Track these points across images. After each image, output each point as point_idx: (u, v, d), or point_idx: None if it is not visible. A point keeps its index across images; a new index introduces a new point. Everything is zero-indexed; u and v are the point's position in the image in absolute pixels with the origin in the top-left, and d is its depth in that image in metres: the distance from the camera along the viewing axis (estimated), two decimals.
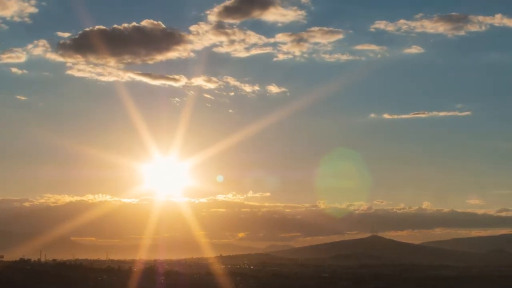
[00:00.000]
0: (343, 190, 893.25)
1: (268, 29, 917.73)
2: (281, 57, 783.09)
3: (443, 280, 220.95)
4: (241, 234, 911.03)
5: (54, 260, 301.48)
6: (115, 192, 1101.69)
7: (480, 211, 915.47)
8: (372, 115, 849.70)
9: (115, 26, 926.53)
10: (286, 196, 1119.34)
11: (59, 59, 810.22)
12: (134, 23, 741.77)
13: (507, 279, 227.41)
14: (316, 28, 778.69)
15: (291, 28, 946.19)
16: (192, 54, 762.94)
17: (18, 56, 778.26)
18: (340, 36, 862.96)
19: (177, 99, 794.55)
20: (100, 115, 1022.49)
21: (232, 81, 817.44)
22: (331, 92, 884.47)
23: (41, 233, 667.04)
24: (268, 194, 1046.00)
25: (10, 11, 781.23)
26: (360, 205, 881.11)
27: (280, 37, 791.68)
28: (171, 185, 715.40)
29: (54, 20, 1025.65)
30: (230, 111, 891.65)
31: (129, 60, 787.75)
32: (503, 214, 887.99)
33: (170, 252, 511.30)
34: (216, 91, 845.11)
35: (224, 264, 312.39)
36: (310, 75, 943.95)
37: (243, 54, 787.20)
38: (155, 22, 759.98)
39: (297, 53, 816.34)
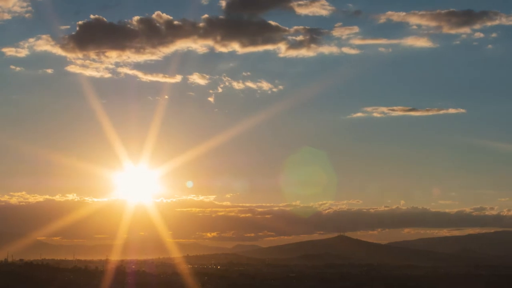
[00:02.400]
0: (314, 190, 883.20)
1: (279, 22, 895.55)
2: (288, 52, 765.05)
3: (409, 280, 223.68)
4: (210, 234, 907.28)
5: (21, 260, 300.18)
6: (85, 192, 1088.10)
7: (453, 211, 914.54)
8: (360, 113, 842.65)
9: (117, 19, 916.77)
10: (258, 197, 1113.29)
11: (59, 53, 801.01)
12: (138, 16, 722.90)
13: (473, 278, 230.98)
14: (332, 23, 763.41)
15: (304, 22, 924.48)
16: (196, 49, 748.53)
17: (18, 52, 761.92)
18: (356, 30, 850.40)
19: (171, 96, 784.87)
20: (81, 113, 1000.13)
21: (225, 78, 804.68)
22: (323, 89, 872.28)
23: (8, 233, 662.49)
24: (239, 194, 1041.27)
25: (11, 2, 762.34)
26: (332, 204, 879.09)
27: (292, 31, 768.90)
28: (143, 187, 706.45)
29: (53, 14, 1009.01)
30: (216, 110, 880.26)
31: (129, 55, 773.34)
32: (475, 213, 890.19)
33: (138, 253, 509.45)
34: (208, 89, 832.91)
35: (191, 264, 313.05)
36: (311, 73, 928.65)
37: (248, 50, 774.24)
38: (159, 14, 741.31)
39: (306, 48, 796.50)
